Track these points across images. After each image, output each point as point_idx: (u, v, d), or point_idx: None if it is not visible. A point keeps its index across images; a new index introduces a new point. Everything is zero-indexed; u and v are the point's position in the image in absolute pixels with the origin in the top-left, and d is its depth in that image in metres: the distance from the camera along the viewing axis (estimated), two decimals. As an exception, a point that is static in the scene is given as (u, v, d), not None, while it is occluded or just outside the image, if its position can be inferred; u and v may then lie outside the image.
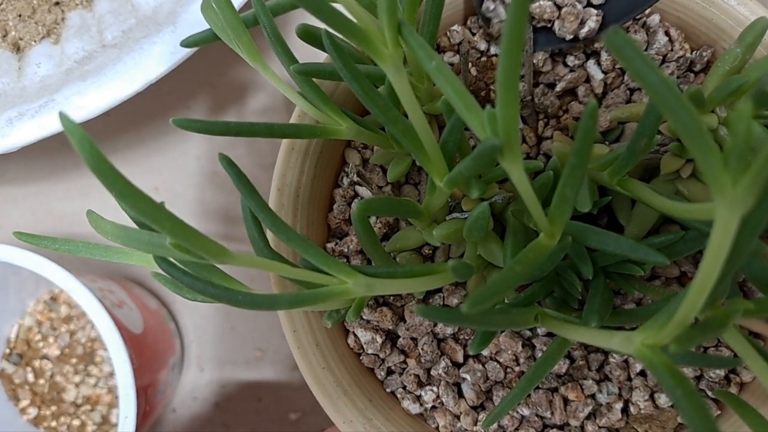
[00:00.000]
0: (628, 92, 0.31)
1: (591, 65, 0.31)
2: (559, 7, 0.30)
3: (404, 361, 0.31)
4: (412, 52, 0.21)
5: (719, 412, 0.30)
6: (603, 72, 0.31)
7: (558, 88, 0.31)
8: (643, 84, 0.13)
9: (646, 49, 0.31)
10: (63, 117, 0.13)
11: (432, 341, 0.30)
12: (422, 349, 0.30)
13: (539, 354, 0.30)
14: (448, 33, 0.33)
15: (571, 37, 0.30)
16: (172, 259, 0.21)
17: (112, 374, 0.46)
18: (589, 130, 0.18)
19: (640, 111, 0.29)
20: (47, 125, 0.39)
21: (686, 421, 0.16)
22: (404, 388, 0.31)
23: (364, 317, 0.30)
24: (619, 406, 0.29)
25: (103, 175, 0.14)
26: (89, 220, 0.22)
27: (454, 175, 0.22)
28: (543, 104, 0.31)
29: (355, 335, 0.31)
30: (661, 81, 0.13)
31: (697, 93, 0.24)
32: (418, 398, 0.31)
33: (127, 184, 0.14)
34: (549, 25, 0.31)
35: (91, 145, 0.13)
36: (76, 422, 0.45)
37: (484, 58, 0.32)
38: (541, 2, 0.30)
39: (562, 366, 0.29)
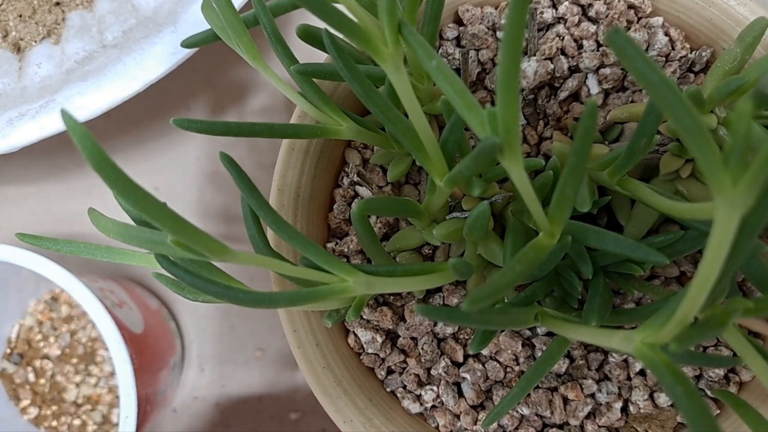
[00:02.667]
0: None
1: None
2: None
3: (404, 361, 0.31)
4: (412, 52, 0.22)
5: (718, 411, 0.30)
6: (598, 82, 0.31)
7: (562, 96, 0.31)
8: (643, 83, 0.13)
9: (647, 49, 0.31)
10: (65, 114, 0.13)
11: (432, 341, 0.30)
12: (422, 348, 0.30)
13: (539, 353, 0.30)
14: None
15: None
16: (172, 258, 0.21)
17: (112, 374, 0.46)
18: (589, 129, 0.18)
19: (639, 111, 0.29)
20: (48, 125, 0.39)
21: (686, 419, 0.16)
22: (404, 387, 0.31)
23: (364, 317, 0.30)
24: (618, 405, 0.29)
25: (105, 173, 0.14)
26: (91, 217, 0.22)
27: (454, 175, 0.22)
28: (544, 109, 0.31)
29: (355, 335, 0.31)
30: (662, 80, 0.13)
31: (697, 93, 0.24)
32: (418, 398, 0.31)
33: (128, 182, 0.14)
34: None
35: (92, 143, 0.13)
36: (76, 422, 0.45)
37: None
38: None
39: (561, 365, 0.29)
